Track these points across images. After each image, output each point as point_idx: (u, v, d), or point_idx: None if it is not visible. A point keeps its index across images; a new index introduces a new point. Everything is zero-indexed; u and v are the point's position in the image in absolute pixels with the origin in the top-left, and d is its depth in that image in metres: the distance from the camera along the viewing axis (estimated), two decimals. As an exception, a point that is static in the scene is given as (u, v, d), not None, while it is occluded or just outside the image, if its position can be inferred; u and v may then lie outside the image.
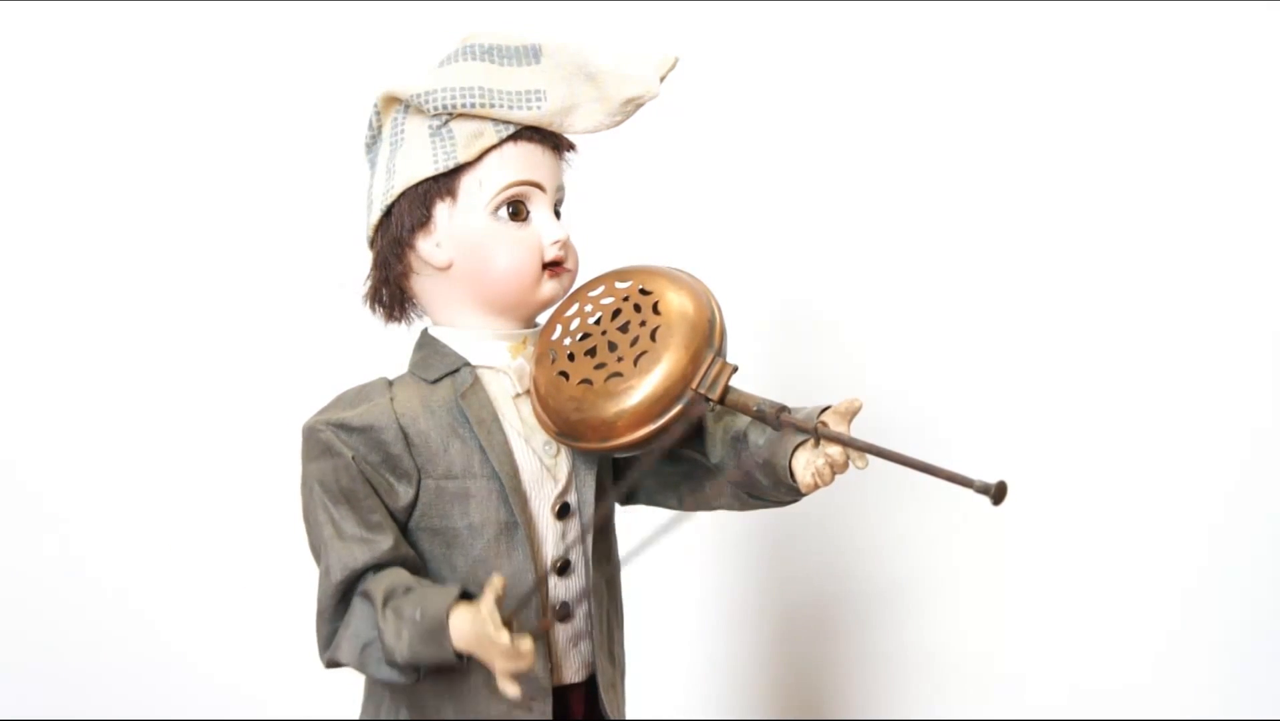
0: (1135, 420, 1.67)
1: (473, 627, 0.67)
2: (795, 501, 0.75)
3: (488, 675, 0.70)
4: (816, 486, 0.71)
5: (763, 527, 1.72)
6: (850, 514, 1.71)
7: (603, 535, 0.77)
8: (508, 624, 0.68)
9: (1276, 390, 1.66)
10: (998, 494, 0.65)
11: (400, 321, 0.81)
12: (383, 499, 0.74)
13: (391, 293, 0.80)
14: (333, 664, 0.76)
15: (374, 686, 0.79)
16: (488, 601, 0.67)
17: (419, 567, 0.74)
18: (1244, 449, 1.65)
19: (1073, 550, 1.68)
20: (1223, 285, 1.67)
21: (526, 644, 0.66)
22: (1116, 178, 1.67)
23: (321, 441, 0.75)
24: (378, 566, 0.73)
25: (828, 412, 0.72)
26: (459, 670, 0.71)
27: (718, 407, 0.71)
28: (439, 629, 0.67)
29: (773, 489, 0.74)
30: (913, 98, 1.66)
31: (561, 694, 0.76)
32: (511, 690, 0.67)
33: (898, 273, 1.69)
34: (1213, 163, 1.64)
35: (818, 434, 0.68)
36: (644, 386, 0.70)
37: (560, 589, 0.74)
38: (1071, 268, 1.68)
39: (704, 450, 0.77)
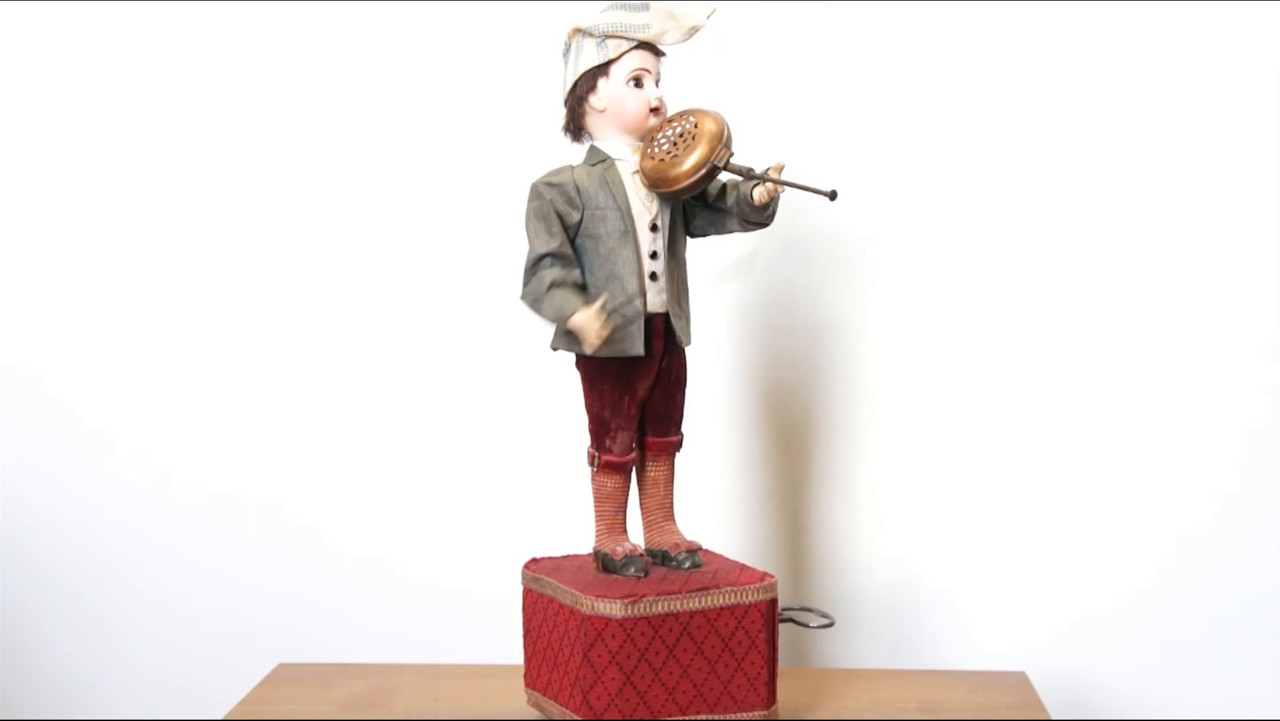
0: (1135, 418, 1.74)
1: (580, 320, 1.35)
2: (762, 219, 1.45)
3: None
4: (765, 199, 1.41)
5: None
6: (855, 514, 1.79)
7: (673, 242, 1.48)
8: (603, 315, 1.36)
9: (1275, 388, 1.72)
10: (832, 195, 1.35)
11: (578, 141, 1.51)
12: (563, 220, 1.46)
13: (575, 126, 1.52)
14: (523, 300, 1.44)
15: (558, 331, 1.49)
16: (594, 307, 1.36)
17: (574, 260, 1.43)
18: (1241, 448, 1.72)
19: (1071, 549, 1.76)
20: (1220, 285, 1.72)
21: (605, 332, 1.35)
22: (1116, 178, 1.73)
23: (536, 190, 1.45)
24: (552, 254, 1.44)
25: (770, 169, 1.43)
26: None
27: (723, 170, 1.42)
28: (564, 319, 1.35)
29: (750, 211, 1.44)
30: (912, 100, 1.76)
31: (650, 321, 1.47)
32: (591, 349, 1.36)
33: (896, 271, 1.78)
34: (1212, 164, 1.71)
35: (764, 178, 1.40)
36: (688, 161, 1.42)
37: (650, 266, 1.46)
38: (1069, 267, 1.74)
39: (725, 203, 1.48)
